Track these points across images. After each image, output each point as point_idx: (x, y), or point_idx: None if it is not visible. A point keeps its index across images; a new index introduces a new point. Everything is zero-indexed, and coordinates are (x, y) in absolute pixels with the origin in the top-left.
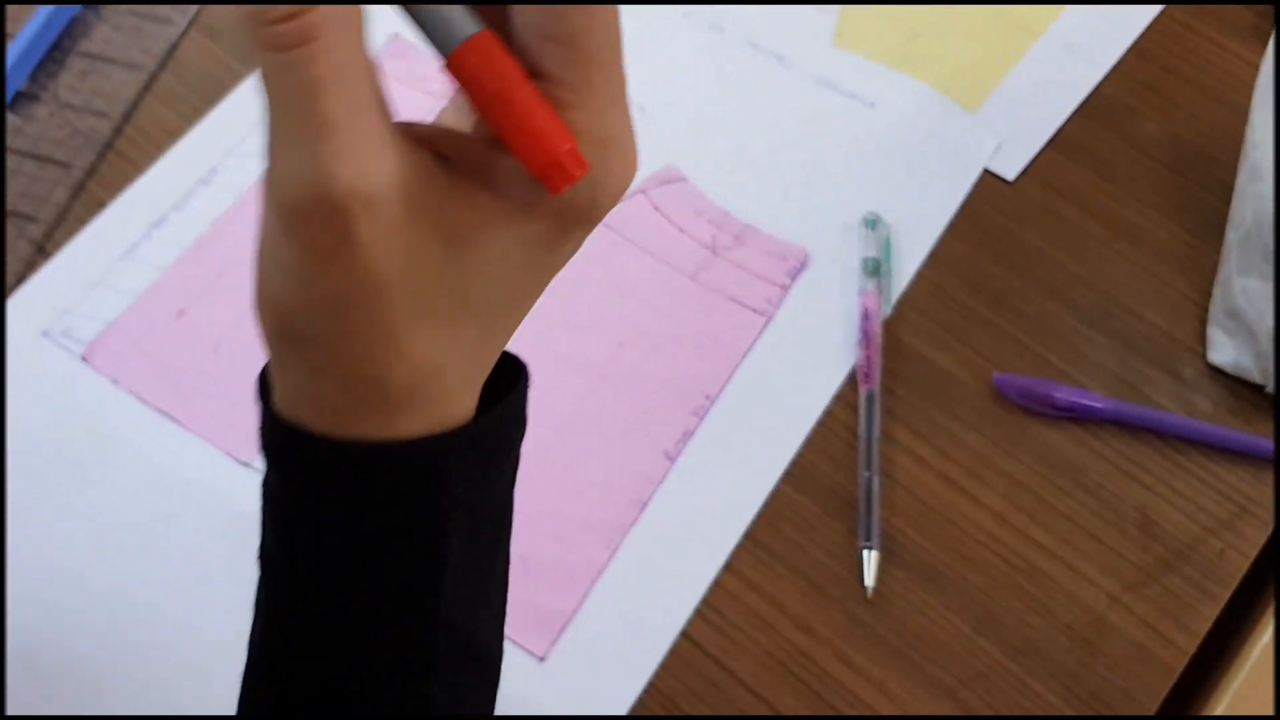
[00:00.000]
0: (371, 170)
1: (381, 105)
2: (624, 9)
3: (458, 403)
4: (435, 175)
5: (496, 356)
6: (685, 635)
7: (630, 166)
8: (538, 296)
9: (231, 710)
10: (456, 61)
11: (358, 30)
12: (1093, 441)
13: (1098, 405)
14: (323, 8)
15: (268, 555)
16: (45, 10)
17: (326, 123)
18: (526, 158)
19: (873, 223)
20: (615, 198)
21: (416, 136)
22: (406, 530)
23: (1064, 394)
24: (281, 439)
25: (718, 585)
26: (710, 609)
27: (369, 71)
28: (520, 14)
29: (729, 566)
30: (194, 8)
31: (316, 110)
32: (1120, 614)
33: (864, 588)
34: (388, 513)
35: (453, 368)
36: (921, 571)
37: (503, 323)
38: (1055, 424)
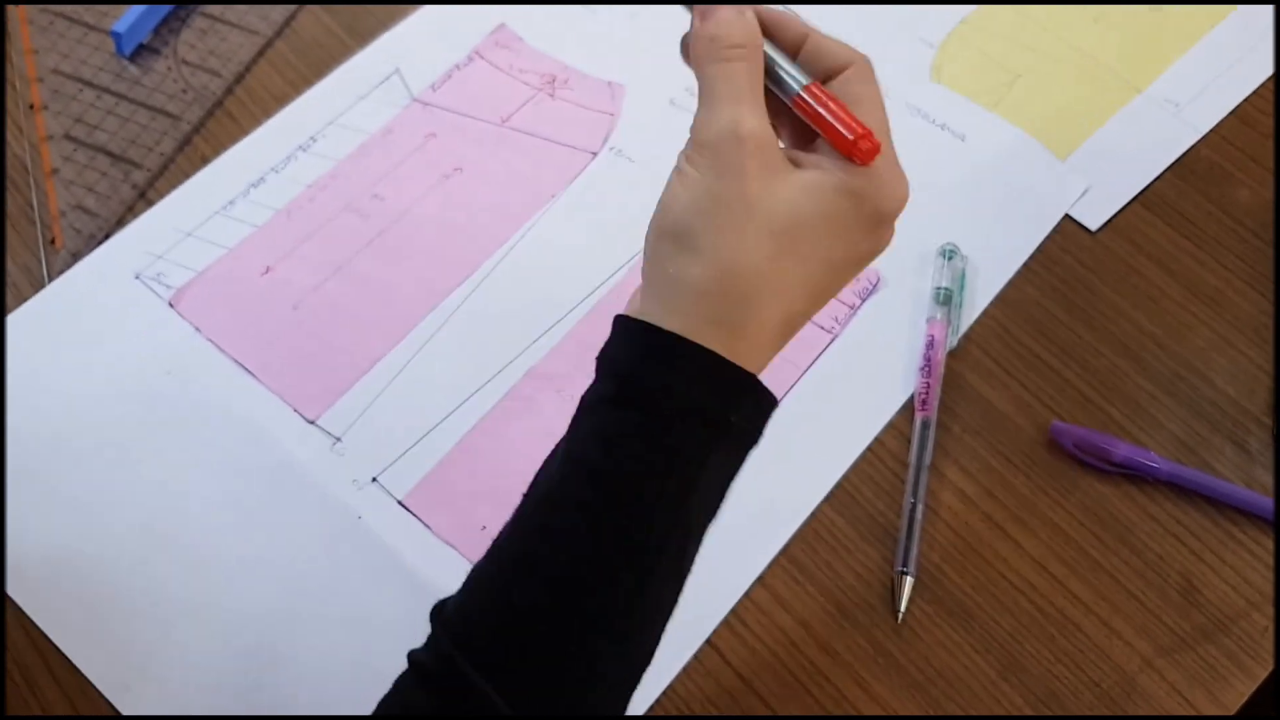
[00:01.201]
0: (763, 124)
1: (761, 92)
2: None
3: (764, 355)
4: (792, 153)
5: (794, 318)
6: (709, 643)
7: (904, 188)
8: (832, 287)
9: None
10: (798, 102)
11: (757, 41)
12: (1145, 501)
13: (1155, 465)
14: (750, 46)
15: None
16: None
17: (742, 93)
18: (842, 139)
19: (950, 253)
20: (898, 209)
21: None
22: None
23: (1122, 450)
24: (635, 331)
25: (748, 598)
26: (738, 620)
27: (760, 88)
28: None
29: (761, 580)
30: None
31: (739, 88)
32: (1151, 678)
33: (893, 615)
34: (706, 417)
35: (773, 300)
36: (952, 608)
37: (809, 284)
38: (1108, 479)
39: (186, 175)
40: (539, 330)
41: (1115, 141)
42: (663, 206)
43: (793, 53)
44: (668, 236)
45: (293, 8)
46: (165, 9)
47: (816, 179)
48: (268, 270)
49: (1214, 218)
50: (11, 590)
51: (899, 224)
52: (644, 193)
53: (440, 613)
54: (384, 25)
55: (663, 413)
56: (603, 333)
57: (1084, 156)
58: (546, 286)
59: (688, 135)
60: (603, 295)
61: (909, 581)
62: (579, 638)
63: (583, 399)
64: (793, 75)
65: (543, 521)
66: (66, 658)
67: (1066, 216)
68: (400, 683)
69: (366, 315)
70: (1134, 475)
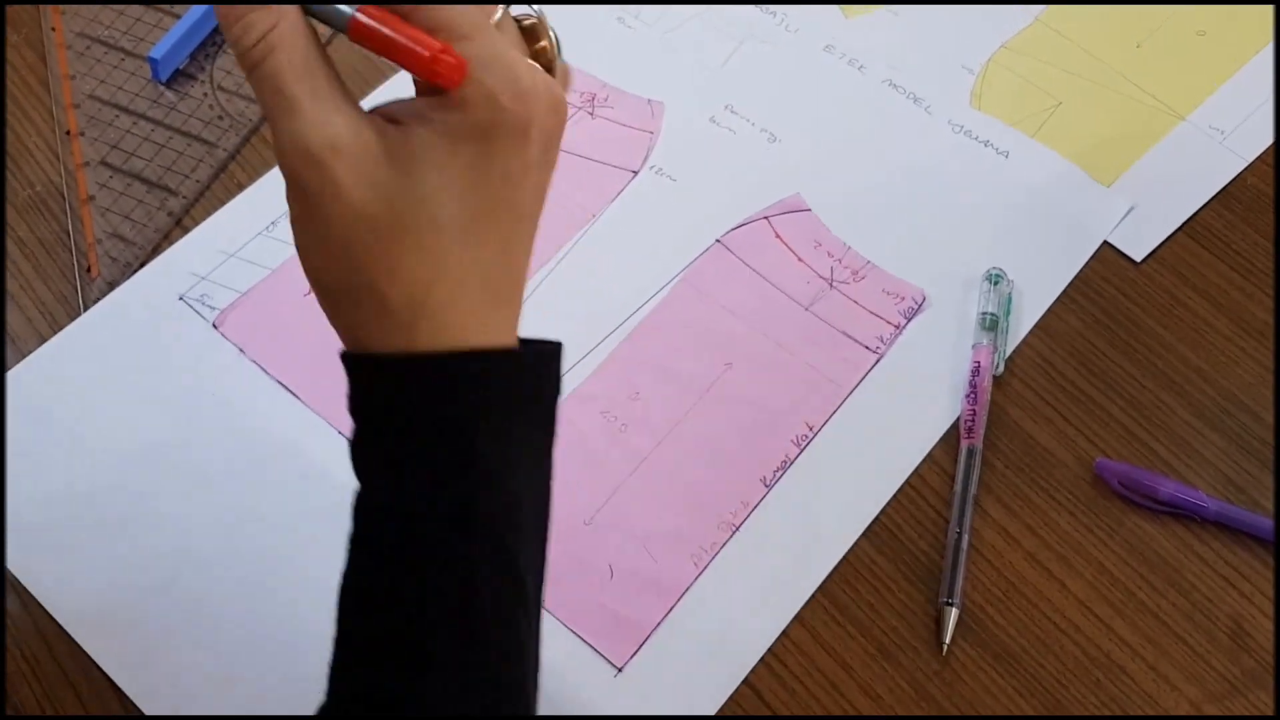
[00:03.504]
0: (332, 127)
1: (335, 86)
2: (764, 45)
3: (473, 327)
4: (385, 128)
5: (509, 287)
6: (748, 683)
7: (521, 78)
8: (514, 218)
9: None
10: (354, 30)
11: (303, 34)
12: (1193, 541)
13: (1204, 504)
14: (272, 33)
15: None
16: None
17: (292, 103)
18: (416, 67)
19: (996, 278)
20: (518, 103)
21: (376, 112)
22: (432, 432)
23: (1169, 488)
24: (348, 364)
25: (786, 637)
26: (776, 660)
27: (321, 61)
28: None
29: (799, 619)
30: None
31: (285, 95)
32: None
33: (936, 657)
34: (413, 415)
35: (449, 283)
36: (995, 650)
37: (485, 243)
38: (1155, 518)
39: (222, 202)
40: (581, 351)
41: (1159, 169)
42: (302, 264)
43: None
44: (322, 294)
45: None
46: (201, 34)
47: (421, 140)
48: (309, 291)
49: (1261, 248)
50: (51, 608)
51: (941, 243)
52: (685, 211)
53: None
54: None
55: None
56: (647, 352)
57: (1127, 185)
58: (588, 306)
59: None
60: (646, 314)
61: (954, 614)
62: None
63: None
64: (335, 12)
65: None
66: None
67: (1111, 247)
68: None
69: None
70: (1182, 514)
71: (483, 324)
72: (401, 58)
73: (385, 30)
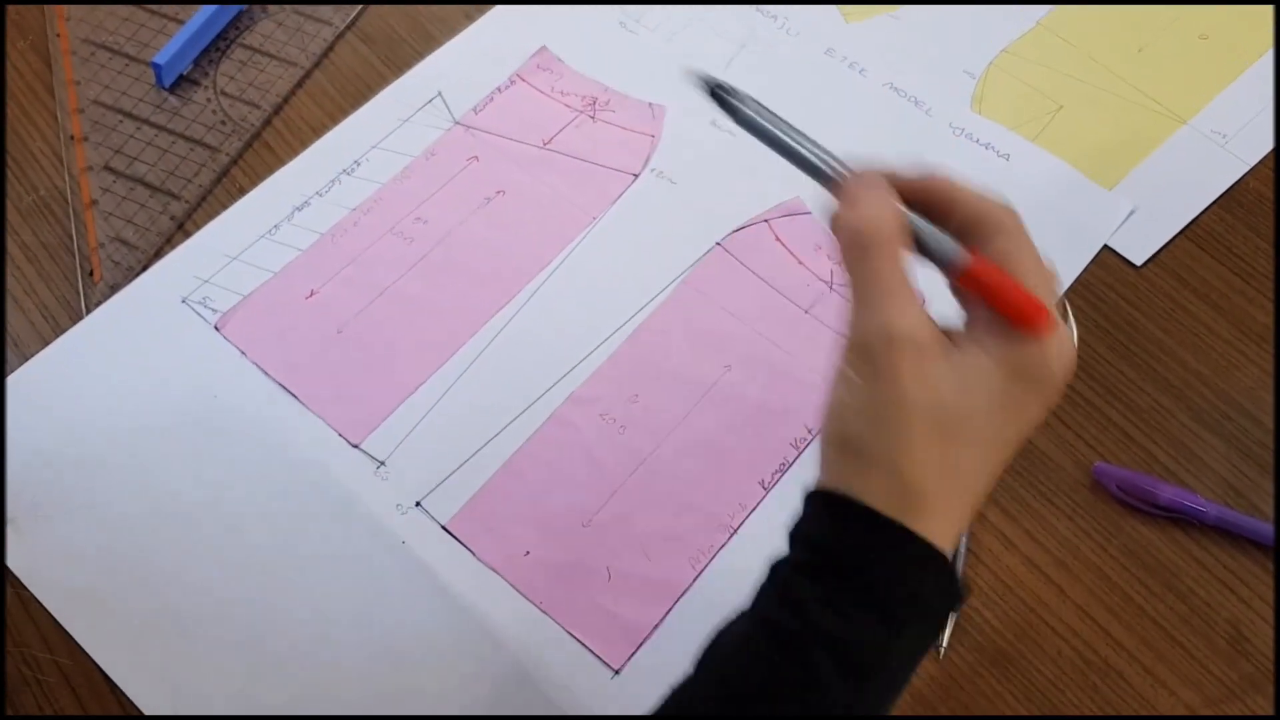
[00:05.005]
0: (913, 321)
1: (910, 279)
2: (764, 48)
3: (942, 531)
4: (944, 335)
5: (974, 499)
6: None
7: (1071, 347)
8: (1007, 452)
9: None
10: (967, 276)
11: (900, 226)
12: (1192, 546)
13: (1202, 509)
14: (887, 225)
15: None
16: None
17: (890, 292)
18: (1021, 315)
19: None
20: (1063, 378)
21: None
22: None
23: (1168, 493)
24: (827, 503)
25: None
26: None
27: (904, 256)
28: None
29: None
30: (355, 10)
31: (888, 286)
32: None
33: (934, 654)
34: (897, 587)
35: (948, 485)
36: (991, 654)
37: (985, 466)
38: (1154, 523)
39: (224, 207)
40: (582, 353)
41: (1160, 173)
42: (829, 414)
43: (940, 213)
44: (835, 444)
45: (329, 39)
46: (205, 41)
47: (980, 364)
48: (312, 294)
49: (1262, 252)
50: (51, 607)
51: None
52: (686, 214)
53: None
54: (420, 55)
55: (854, 584)
56: (647, 354)
57: (1128, 189)
58: (589, 309)
59: (845, 335)
60: (646, 316)
61: (951, 618)
62: None
63: (773, 567)
64: (948, 253)
65: (722, 675)
66: (76, 659)
67: (1112, 250)
68: None
69: (409, 338)
70: (1181, 519)
71: (946, 532)
72: (1002, 309)
73: (1002, 280)
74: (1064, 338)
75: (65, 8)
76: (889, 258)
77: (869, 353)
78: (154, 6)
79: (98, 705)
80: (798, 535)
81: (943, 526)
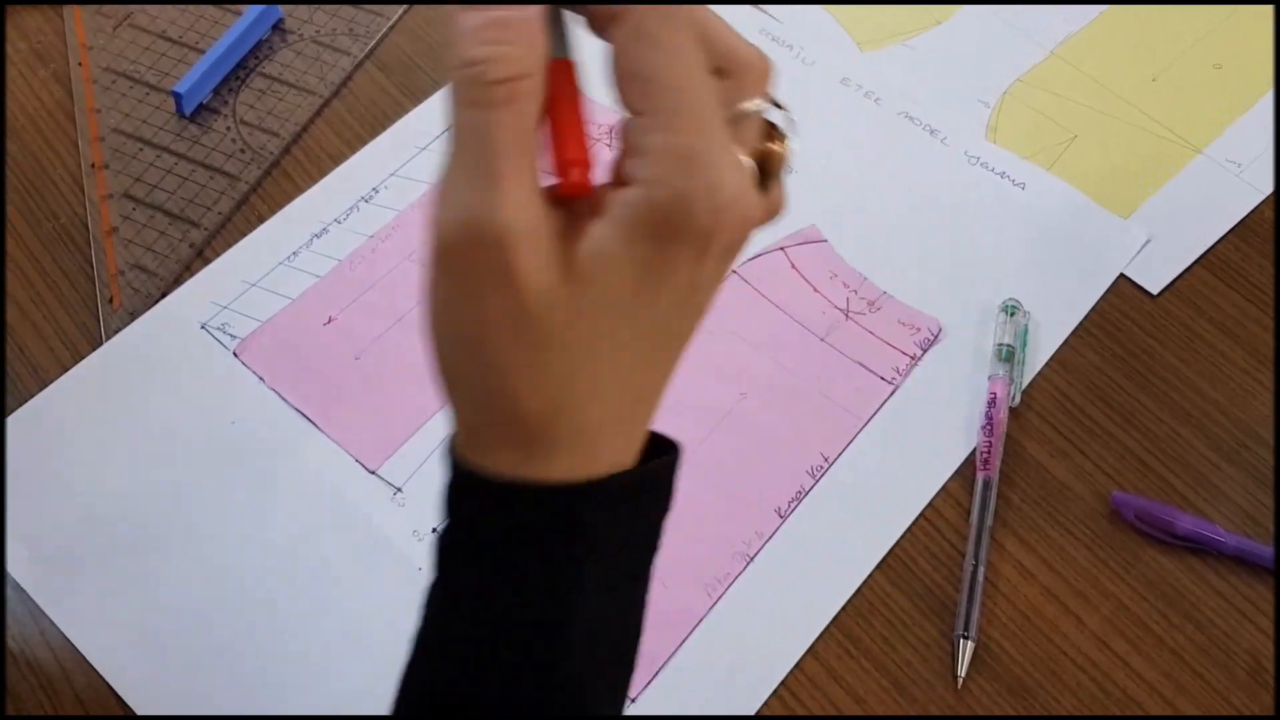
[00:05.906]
0: (527, 214)
1: (535, 165)
2: (783, 81)
3: (603, 452)
4: (561, 217)
5: (646, 408)
6: (759, 717)
7: (726, 187)
8: (673, 341)
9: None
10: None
11: (539, 100)
12: (1211, 576)
13: (1221, 539)
14: (519, 83)
15: (430, 586)
16: (236, 30)
17: (498, 172)
18: (553, 159)
19: (1012, 309)
20: (712, 215)
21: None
22: (535, 574)
23: (1186, 523)
24: (448, 473)
25: (799, 670)
26: (789, 693)
27: (533, 136)
28: (612, 58)
29: (813, 651)
30: (373, 39)
31: (493, 161)
32: None
33: (951, 692)
34: (519, 551)
35: (586, 406)
36: (1010, 684)
37: (637, 364)
38: (1172, 552)
39: (243, 234)
40: None
41: (1176, 202)
42: (428, 327)
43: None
44: (444, 371)
45: (347, 69)
46: (225, 69)
47: (595, 240)
48: (330, 320)
49: None
50: (67, 630)
51: (957, 274)
52: None
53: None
54: (437, 84)
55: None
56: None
57: (1144, 217)
58: None
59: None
60: None
61: (969, 646)
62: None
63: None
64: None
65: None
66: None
67: (1128, 279)
68: None
69: (427, 364)
70: (1199, 549)
71: (611, 445)
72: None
73: (558, 111)
74: (709, 169)
75: (86, 34)
76: (508, 124)
77: (461, 257)
78: (175, 36)
79: (98, 705)
80: (449, 503)
81: (599, 444)
